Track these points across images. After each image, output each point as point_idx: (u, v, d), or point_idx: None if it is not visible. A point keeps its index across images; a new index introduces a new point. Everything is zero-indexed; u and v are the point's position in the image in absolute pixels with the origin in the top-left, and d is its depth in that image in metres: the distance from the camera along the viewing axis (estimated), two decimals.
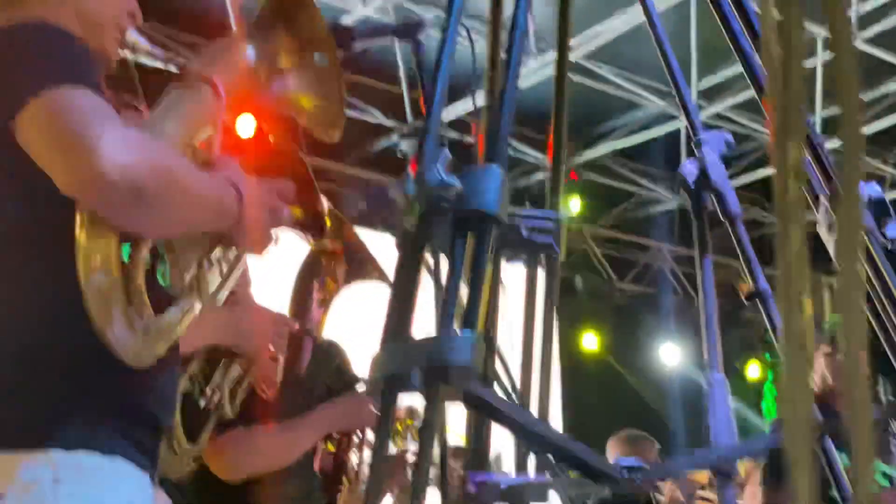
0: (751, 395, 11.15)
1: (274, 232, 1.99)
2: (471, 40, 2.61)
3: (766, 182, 8.96)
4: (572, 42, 7.00)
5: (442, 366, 1.02)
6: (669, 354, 10.52)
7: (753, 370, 11.24)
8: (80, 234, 1.65)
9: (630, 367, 10.29)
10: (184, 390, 2.49)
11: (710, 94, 8.18)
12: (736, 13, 1.54)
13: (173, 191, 1.68)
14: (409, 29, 2.51)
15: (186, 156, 1.93)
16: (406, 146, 8.82)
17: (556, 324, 1.62)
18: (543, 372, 1.53)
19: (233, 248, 1.97)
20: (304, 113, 2.18)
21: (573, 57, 7.17)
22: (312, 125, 2.21)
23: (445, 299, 1.06)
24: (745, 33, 1.54)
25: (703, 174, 1.57)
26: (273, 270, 3.12)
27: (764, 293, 1.63)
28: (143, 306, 1.71)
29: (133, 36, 2.02)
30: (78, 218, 1.65)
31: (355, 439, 3.16)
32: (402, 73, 7.87)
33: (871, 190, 1.36)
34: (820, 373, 4.48)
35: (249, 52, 2.09)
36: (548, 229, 1.49)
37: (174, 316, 1.81)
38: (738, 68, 7.42)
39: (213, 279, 1.94)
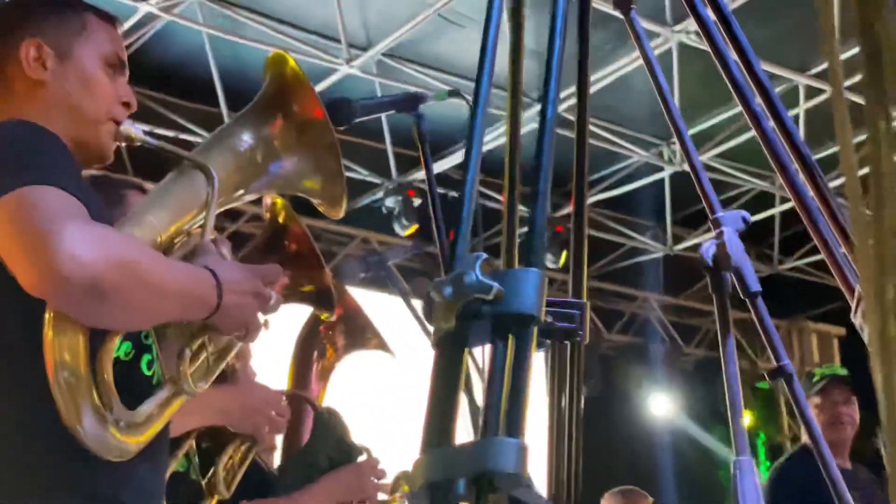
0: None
1: (262, 317, 1.98)
2: (470, 105, 2.62)
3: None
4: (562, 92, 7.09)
5: (488, 473, 1.00)
6: (659, 404, 10.50)
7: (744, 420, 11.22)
8: (48, 330, 1.67)
9: (619, 417, 10.26)
10: (180, 468, 2.47)
11: (694, 144, 8.23)
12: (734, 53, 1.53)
13: (135, 284, 1.69)
14: (410, 102, 2.52)
15: (178, 241, 1.94)
16: (390, 202, 8.84)
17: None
18: (573, 454, 1.51)
19: (220, 336, 1.96)
20: (305, 192, 2.19)
21: (560, 108, 7.22)
22: (316, 202, 2.22)
23: (488, 403, 1.04)
24: (743, 72, 1.53)
25: (723, 253, 1.57)
26: (272, 340, 3.11)
27: (787, 369, 1.63)
28: (113, 400, 1.71)
29: (128, 126, 2.04)
30: (46, 315, 1.66)
31: None
32: (385, 129, 7.91)
33: None
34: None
35: (247, 138, 2.11)
36: (572, 316, 1.49)
37: (149, 408, 1.81)
38: (717, 118, 7.48)
39: (200, 368, 1.94)
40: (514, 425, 1.02)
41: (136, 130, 2.06)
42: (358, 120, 2.47)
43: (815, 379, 4.85)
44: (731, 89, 1.49)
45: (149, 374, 1.98)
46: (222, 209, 2.17)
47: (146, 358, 1.98)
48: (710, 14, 1.52)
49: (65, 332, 1.67)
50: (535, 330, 1.07)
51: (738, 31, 1.44)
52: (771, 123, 1.43)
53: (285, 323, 3.01)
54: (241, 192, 2.13)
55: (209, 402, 2.40)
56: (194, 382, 1.89)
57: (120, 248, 1.69)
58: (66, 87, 2.02)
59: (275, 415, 2.57)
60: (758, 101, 1.46)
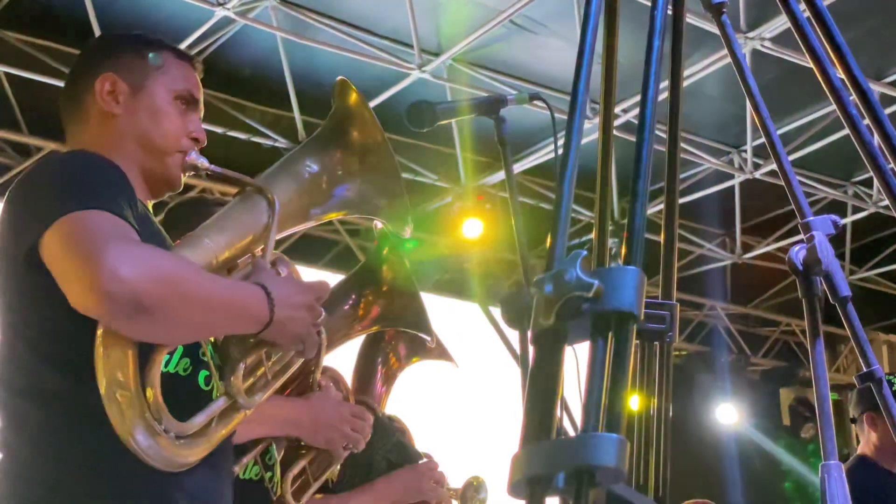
0: (800, 450, 11.01)
1: (318, 334, 2.03)
2: (550, 109, 2.64)
3: None
4: (626, 102, 7.07)
5: (588, 467, 1.01)
6: (725, 413, 10.41)
7: (805, 429, 11.10)
8: (99, 346, 1.74)
9: (685, 426, 10.19)
10: (253, 477, 2.50)
11: (764, 152, 8.16)
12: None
13: (178, 299, 1.75)
14: (492, 106, 2.54)
15: (241, 262, 2.00)
16: (459, 207, 8.81)
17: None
18: (657, 454, 1.51)
19: (278, 351, 2.01)
20: (369, 214, 2.25)
21: (627, 117, 7.19)
22: (385, 222, 2.27)
23: (588, 399, 1.05)
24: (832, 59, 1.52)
25: (813, 257, 1.56)
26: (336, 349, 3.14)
27: (877, 374, 1.62)
28: (162, 413, 1.76)
29: (194, 157, 2.12)
30: (98, 332, 1.72)
31: None
32: (455, 134, 7.93)
33: None
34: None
35: (311, 164, 2.17)
36: (662, 317, 1.49)
37: (202, 420, 1.86)
38: (788, 126, 7.38)
39: (259, 382, 1.98)
40: (614, 421, 1.04)
41: (202, 161, 2.16)
42: (440, 123, 2.49)
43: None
44: (825, 87, 1.48)
45: (206, 389, 2.03)
46: (291, 231, 2.23)
47: (203, 374, 2.03)
48: (804, 10, 1.51)
49: (114, 347, 1.74)
50: (635, 327, 1.09)
51: (832, 28, 1.43)
52: (866, 122, 1.42)
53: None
54: (307, 214, 2.20)
55: (278, 413, 2.44)
56: (250, 396, 1.93)
57: (164, 265, 1.77)
58: (136, 120, 2.13)
59: (350, 431, 2.59)
60: (853, 98, 1.45)
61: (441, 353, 3.40)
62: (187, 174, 2.18)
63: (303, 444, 2.58)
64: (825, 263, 1.57)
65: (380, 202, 2.24)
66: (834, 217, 1.66)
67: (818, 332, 1.58)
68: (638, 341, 1.51)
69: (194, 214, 2.29)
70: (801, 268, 1.59)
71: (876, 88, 7.40)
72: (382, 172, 2.21)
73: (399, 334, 3.31)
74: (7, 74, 7.06)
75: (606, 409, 1.05)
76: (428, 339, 2.83)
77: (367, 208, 2.26)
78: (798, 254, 1.60)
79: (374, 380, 3.32)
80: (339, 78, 2.25)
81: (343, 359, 3.22)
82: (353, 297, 2.82)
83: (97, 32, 6.45)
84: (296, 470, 2.57)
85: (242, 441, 2.42)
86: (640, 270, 1.10)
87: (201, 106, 2.23)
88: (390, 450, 3.15)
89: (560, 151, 1.92)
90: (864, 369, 1.62)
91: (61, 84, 6.91)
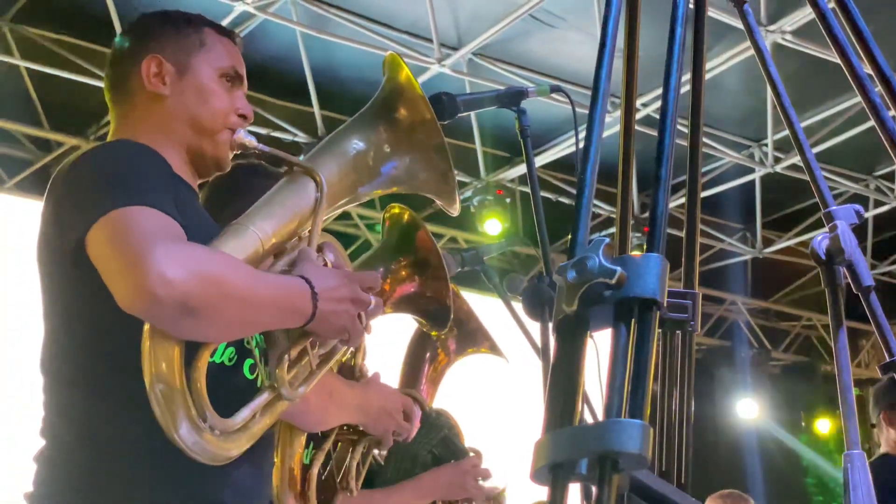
0: (820, 445, 10.97)
1: (364, 322, 2.02)
2: (571, 102, 2.64)
3: None
4: (646, 97, 7.05)
5: (612, 453, 1.01)
6: (746, 408, 10.38)
7: (823, 425, 11.06)
8: (145, 342, 1.74)
9: (706, 420, 10.17)
10: (305, 462, 2.49)
11: (785, 146, 8.13)
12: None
13: (224, 299, 1.75)
14: (512, 98, 2.54)
15: (290, 244, 1.99)
16: (478, 201, 8.81)
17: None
18: (686, 438, 1.51)
19: (322, 342, 2.00)
20: (418, 191, 2.23)
21: (647, 111, 7.18)
22: (434, 197, 2.26)
23: (611, 386, 1.05)
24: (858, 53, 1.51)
25: (836, 247, 1.56)
26: (385, 342, 3.14)
27: None
28: (206, 409, 1.76)
29: (242, 135, 2.11)
30: (145, 328, 1.73)
31: None
32: (475, 129, 7.94)
33: None
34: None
35: (358, 142, 2.16)
36: (684, 306, 1.49)
37: (246, 414, 1.86)
38: (810, 120, 7.35)
39: (301, 373, 1.98)
40: (637, 407, 1.04)
41: (251, 139, 2.14)
42: (461, 114, 2.49)
43: None
44: (849, 77, 1.47)
45: (251, 377, 2.03)
46: (340, 210, 2.22)
47: (248, 363, 2.03)
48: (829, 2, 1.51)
49: (160, 344, 1.74)
50: (657, 314, 1.09)
51: (857, 18, 1.43)
52: (892, 113, 1.41)
53: (399, 324, 3.04)
54: (355, 193, 2.18)
55: (354, 400, 2.43)
56: (294, 388, 1.92)
57: (209, 265, 1.75)
58: (184, 101, 2.11)
59: (402, 420, 2.59)
60: (878, 89, 1.45)
61: (492, 347, 3.38)
62: (236, 152, 2.16)
63: (357, 430, 2.54)
64: (848, 253, 1.57)
65: (428, 179, 2.23)
66: (857, 207, 1.66)
67: (841, 321, 1.58)
68: (660, 330, 1.51)
69: (253, 181, 2.28)
70: (823, 257, 1.59)
71: None
72: (431, 150, 2.19)
73: (449, 329, 3.30)
74: (28, 70, 7.10)
75: (629, 396, 1.05)
76: (440, 330, 2.81)
77: (415, 185, 2.24)
78: (821, 243, 1.59)
79: (422, 374, 3.30)
80: (389, 53, 2.23)
81: (391, 352, 3.22)
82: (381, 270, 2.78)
83: (118, 29, 6.48)
84: (358, 456, 2.54)
85: (330, 427, 2.41)
86: (663, 258, 1.10)
87: (245, 82, 2.21)
88: (436, 445, 3.14)
89: (581, 145, 1.92)
90: (888, 359, 1.61)
91: (82, 79, 6.93)
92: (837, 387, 1.57)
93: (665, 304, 1.43)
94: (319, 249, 2.03)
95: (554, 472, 1.03)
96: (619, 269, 1.07)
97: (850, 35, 1.44)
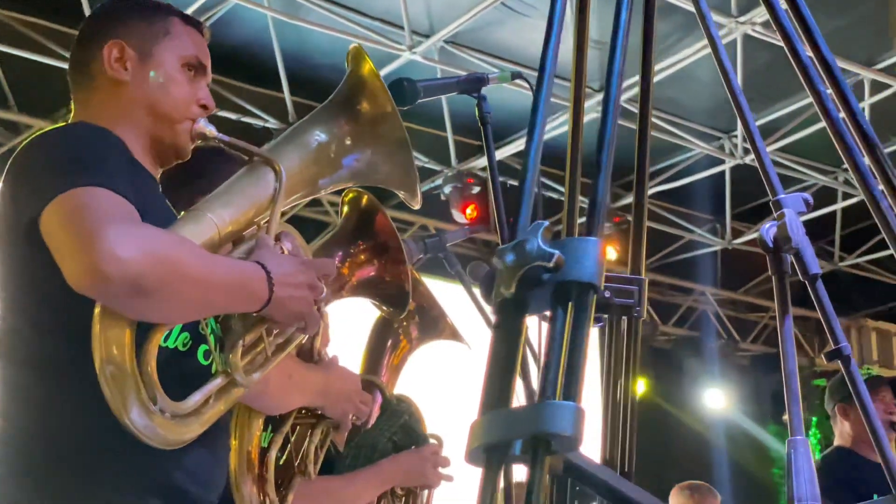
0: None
1: (319, 311, 2.02)
2: (532, 89, 2.64)
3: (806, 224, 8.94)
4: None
5: (545, 435, 1.02)
6: (713, 398, 10.44)
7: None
8: (96, 324, 1.73)
9: (674, 410, 10.23)
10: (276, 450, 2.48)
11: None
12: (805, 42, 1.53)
13: (177, 280, 1.74)
14: (473, 84, 2.54)
15: (248, 233, 1.99)
16: (448, 189, 8.83)
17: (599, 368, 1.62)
18: (629, 425, 1.52)
19: (278, 329, 2.00)
20: (379, 184, 2.24)
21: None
22: (396, 190, 2.26)
23: (546, 367, 1.06)
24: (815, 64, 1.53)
25: (784, 234, 1.57)
26: (346, 328, 3.12)
27: (844, 351, 1.62)
28: (156, 392, 1.76)
29: (202, 125, 2.11)
30: (95, 310, 1.72)
31: (422, 498, 3.12)
32: (446, 117, 7.93)
33: None
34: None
35: (320, 133, 2.16)
36: (630, 292, 1.50)
37: (199, 398, 1.86)
38: (780, 111, 7.37)
39: (257, 360, 1.98)
40: (572, 389, 1.05)
41: (211, 129, 2.13)
42: (421, 100, 2.49)
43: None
44: (801, 77, 1.48)
45: (206, 363, 2.03)
46: (302, 202, 2.21)
47: (203, 348, 2.03)
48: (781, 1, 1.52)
49: (111, 326, 1.73)
50: (594, 298, 1.09)
51: (808, 18, 1.44)
52: (841, 114, 1.43)
53: (361, 310, 3.04)
54: (315, 185, 2.18)
55: (313, 383, 2.42)
56: (248, 374, 1.93)
57: (162, 245, 1.75)
58: (145, 87, 2.11)
59: (361, 405, 2.59)
60: (829, 91, 1.46)
61: (454, 334, 3.38)
62: (196, 142, 2.16)
63: (316, 413, 2.54)
64: (795, 241, 1.58)
65: (389, 172, 2.23)
66: (805, 195, 1.67)
67: (787, 309, 1.59)
68: (607, 316, 1.52)
69: (219, 164, 2.27)
70: (771, 245, 1.60)
71: (867, 75, 7.41)
72: (393, 143, 2.20)
73: (410, 316, 3.28)
74: None
75: (564, 378, 1.05)
76: (399, 313, 2.81)
77: (376, 178, 2.25)
78: (769, 231, 1.60)
79: (384, 361, 3.30)
80: (353, 46, 2.23)
81: (353, 339, 3.21)
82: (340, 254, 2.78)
83: (87, 11, 6.43)
84: (316, 440, 2.53)
85: (284, 411, 2.41)
86: (601, 241, 1.10)
87: (209, 73, 2.20)
88: (396, 431, 3.13)
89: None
90: (833, 347, 1.62)
91: (51, 62, 6.87)
92: (783, 374, 1.58)
93: (610, 291, 1.44)
94: (277, 238, 2.04)
95: (488, 453, 1.03)
96: (557, 252, 1.08)
97: (802, 35, 1.45)
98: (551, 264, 1.08)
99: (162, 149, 2.13)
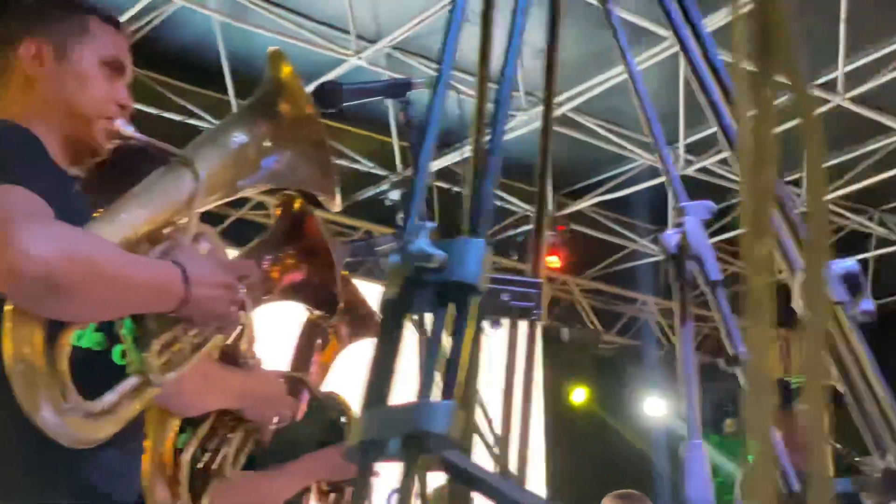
0: (729, 445, 11.14)
1: (237, 312, 2.02)
2: (458, 92, 2.65)
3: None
4: (562, 95, 7.11)
5: (419, 433, 1.03)
6: (654, 407, 10.52)
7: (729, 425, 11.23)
8: (7, 322, 1.72)
9: (615, 418, 10.29)
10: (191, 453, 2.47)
11: (697, 148, 8.24)
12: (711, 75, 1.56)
13: (90, 278, 1.73)
14: (398, 89, 2.55)
15: (167, 233, 1.98)
16: (395, 195, 8.85)
17: (542, 375, 1.64)
18: (523, 429, 1.54)
19: (195, 329, 2.00)
20: (298, 186, 2.24)
21: (562, 110, 7.23)
22: (314, 192, 2.27)
23: (426, 367, 1.07)
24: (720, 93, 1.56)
25: (685, 242, 1.60)
26: (275, 327, 3.11)
27: (742, 357, 1.65)
28: (68, 390, 1.75)
29: (119, 124, 2.10)
30: (6, 307, 1.71)
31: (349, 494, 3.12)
32: (392, 122, 7.93)
33: (848, 265, 1.39)
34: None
35: (239, 135, 2.16)
36: (530, 295, 1.51)
37: (112, 398, 1.85)
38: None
39: (174, 360, 1.97)
40: (449, 389, 1.06)
41: (128, 129, 2.12)
42: (345, 104, 2.49)
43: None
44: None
45: (121, 363, 2.02)
46: (220, 202, 2.21)
47: (118, 348, 2.02)
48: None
49: (23, 323, 1.72)
50: (476, 299, 1.10)
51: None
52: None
53: (289, 309, 3.03)
54: (235, 186, 2.18)
55: (231, 385, 2.42)
56: (162, 374, 1.92)
57: (77, 244, 1.75)
58: (61, 86, 2.10)
59: (284, 408, 2.58)
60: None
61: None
62: (112, 142, 2.14)
63: (236, 416, 2.53)
64: (695, 248, 1.60)
65: (308, 175, 2.24)
66: (709, 203, 1.70)
67: (687, 315, 1.62)
68: (507, 318, 1.53)
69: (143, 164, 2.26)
70: (673, 251, 1.62)
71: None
72: (312, 145, 2.20)
73: (340, 314, 3.28)
74: None
75: (443, 378, 1.06)
76: (328, 315, 2.81)
77: (295, 180, 2.25)
78: (671, 238, 1.63)
79: (312, 359, 3.30)
80: (271, 49, 2.23)
81: (282, 338, 3.20)
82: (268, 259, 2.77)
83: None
84: (235, 443, 2.53)
85: (200, 413, 2.40)
86: (485, 242, 1.12)
87: (129, 73, 2.19)
88: (322, 428, 3.14)
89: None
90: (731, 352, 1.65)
91: None
92: (679, 379, 1.60)
93: (510, 294, 1.46)
94: (195, 239, 2.03)
95: (363, 450, 1.04)
96: (440, 253, 1.09)
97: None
98: (435, 265, 1.10)
99: (78, 147, 2.12)
